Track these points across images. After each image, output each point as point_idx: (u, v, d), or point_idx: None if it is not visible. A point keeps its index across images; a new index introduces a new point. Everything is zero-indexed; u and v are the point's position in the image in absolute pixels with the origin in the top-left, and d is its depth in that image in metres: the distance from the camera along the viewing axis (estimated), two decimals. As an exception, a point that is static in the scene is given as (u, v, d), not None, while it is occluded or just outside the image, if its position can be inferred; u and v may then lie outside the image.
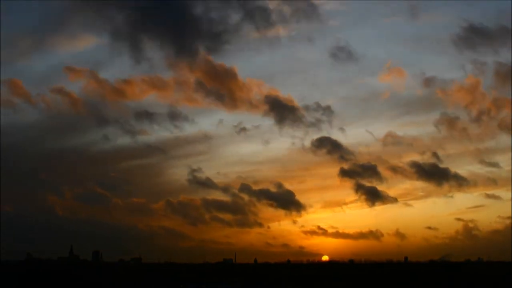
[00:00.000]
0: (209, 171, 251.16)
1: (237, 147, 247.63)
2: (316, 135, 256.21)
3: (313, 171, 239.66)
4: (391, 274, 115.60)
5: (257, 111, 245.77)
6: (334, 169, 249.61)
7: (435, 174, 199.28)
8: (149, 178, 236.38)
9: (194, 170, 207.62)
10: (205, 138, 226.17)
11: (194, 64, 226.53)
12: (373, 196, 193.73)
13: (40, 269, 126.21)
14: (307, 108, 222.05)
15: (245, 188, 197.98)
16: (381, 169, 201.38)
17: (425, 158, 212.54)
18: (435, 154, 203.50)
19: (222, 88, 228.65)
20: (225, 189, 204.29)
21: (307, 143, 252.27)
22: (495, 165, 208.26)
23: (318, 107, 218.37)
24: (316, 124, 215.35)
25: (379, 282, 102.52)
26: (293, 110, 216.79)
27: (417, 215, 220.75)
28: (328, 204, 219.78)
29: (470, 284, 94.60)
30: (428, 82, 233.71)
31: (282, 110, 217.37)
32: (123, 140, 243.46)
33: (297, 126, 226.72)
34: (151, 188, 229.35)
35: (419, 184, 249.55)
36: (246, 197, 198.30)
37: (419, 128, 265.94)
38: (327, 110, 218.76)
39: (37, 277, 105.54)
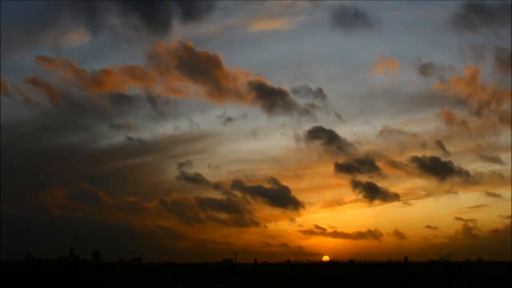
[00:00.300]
0: (201, 168, 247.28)
1: (230, 143, 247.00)
2: (311, 128, 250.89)
3: (311, 170, 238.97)
4: (391, 274, 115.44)
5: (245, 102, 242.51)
6: (331, 168, 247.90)
7: (436, 170, 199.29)
8: (141, 175, 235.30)
9: (182, 164, 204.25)
10: (196, 133, 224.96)
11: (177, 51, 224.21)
12: (373, 194, 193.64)
13: (40, 269, 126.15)
14: (298, 94, 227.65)
15: (238, 185, 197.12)
16: (380, 165, 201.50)
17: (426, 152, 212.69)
18: (439, 144, 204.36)
19: (208, 77, 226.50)
20: (218, 186, 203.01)
21: (301, 132, 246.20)
22: (496, 160, 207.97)
23: (309, 92, 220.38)
24: (311, 114, 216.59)
25: (379, 282, 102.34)
26: (282, 96, 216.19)
27: (416, 214, 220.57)
28: (328, 204, 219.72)
29: (470, 284, 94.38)
30: (425, 68, 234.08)
31: (270, 97, 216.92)
32: (113, 138, 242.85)
33: (290, 116, 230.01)
34: (144, 187, 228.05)
35: (420, 182, 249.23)
36: (240, 195, 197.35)
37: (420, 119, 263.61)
38: (322, 98, 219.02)
39: (37, 277, 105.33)
